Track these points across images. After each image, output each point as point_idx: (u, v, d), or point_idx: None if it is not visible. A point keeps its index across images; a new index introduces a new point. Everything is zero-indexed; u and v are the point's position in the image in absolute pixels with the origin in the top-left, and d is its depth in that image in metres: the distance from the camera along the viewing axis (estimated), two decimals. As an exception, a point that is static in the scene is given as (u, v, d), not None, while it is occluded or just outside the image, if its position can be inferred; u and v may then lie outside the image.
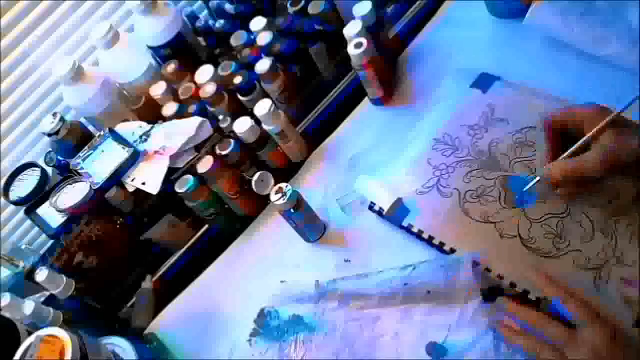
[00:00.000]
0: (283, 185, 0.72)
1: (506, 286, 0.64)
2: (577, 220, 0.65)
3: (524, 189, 0.67)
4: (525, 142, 0.72)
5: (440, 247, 0.69)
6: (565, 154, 0.62)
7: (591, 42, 0.75)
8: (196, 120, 0.81)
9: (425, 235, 0.70)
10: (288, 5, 0.88)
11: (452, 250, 0.68)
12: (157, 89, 0.88)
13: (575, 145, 0.61)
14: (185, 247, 0.87)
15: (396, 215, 0.73)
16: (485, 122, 0.76)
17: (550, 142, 0.64)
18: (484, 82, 0.79)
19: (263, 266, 0.80)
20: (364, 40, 0.78)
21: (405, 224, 0.72)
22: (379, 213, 0.75)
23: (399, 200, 0.73)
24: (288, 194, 0.71)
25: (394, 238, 0.74)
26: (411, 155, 0.77)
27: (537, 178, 0.65)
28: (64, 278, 0.77)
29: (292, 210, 0.73)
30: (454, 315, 0.65)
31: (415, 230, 0.71)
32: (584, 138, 0.60)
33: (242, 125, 0.79)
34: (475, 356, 0.62)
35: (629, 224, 0.63)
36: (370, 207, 0.76)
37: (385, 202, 0.74)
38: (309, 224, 0.77)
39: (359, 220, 0.78)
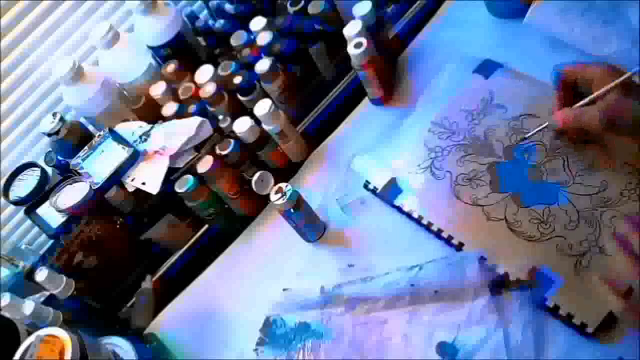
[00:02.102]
0: (283, 185, 0.72)
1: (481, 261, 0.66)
2: (563, 208, 0.66)
3: (530, 133, 0.69)
4: (520, 129, 0.73)
5: (428, 227, 0.71)
6: (575, 106, 0.64)
7: (591, 42, 0.75)
8: (196, 120, 0.81)
9: (415, 215, 0.72)
10: (288, 5, 0.88)
11: (440, 231, 0.70)
12: (157, 89, 0.88)
13: (584, 101, 0.63)
14: (185, 247, 0.87)
15: (389, 194, 0.75)
16: (484, 108, 0.77)
17: (560, 93, 0.66)
18: (486, 68, 0.80)
19: (263, 266, 0.80)
20: (364, 40, 0.78)
21: (397, 203, 0.74)
22: (373, 192, 0.77)
23: (393, 179, 0.75)
24: (288, 194, 0.71)
25: (394, 237, 0.74)
26: (409, 137, 0.79)
27: (546, 123, 0.67)
28: (64, 278, 0.77)
29: (292, 210, 0.73)
30: (463, 314, 0.65)
31: (406, 210, 0.73)
32: (594, 94, 0.62)
33: (242, 125, 0.79)
34: (486, 354, 0.62)
35: (614, 217, 0.64)
36: (365, 186, 0.78)
37: (379, 181, 0.76)
38: (308, 224, 0.77)
39: (359, 220, 0.78)
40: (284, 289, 0.76)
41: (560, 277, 0.62)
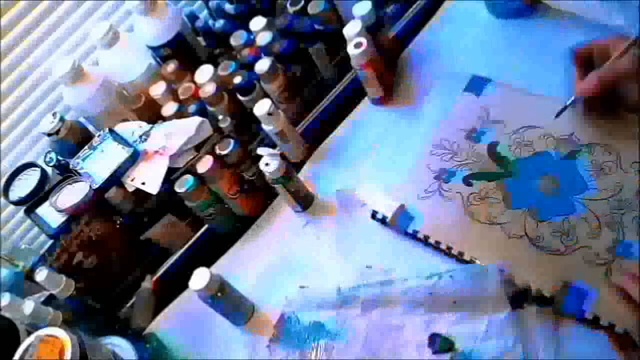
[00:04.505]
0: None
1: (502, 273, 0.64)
2: (582, 217, 0.65)
3: (565, 106, 0.69)
4: (522, 142, 0.73)
5: (447, 252, 0.69)
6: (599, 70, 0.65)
7: (600, 13, 0.75)
8: (196, 120, 0.81)
9: (432, 241, 0.70)
10: (288, 5, 0.88)
11: (461, 254, 0.67)
12: (157, 89, 0.88)
13: (611, 59, 0.64)
14: (185, 247, 0.87)
15: (400, 222, 0.72)
16: (481, 125, 0.76)
17: (579, 67, 0.68)
18: (476, 85, 0.79)
19: (263, 266, 0.80)
20: (364, 40, 0.78)
21: (410, 230, 0.71)
22: (382, 221, 0.74)
23: (402, 206, 0.73)
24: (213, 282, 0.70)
25: (397, 242, 0.73)
26: (410, 161, 0.77)
27: (572, 98, 0.67)
28: (64, 278, 0.77)
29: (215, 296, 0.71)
30: (482, 326, 0.63)
31: (421, 236, 0.70)
32: (614, 56, 0.64)
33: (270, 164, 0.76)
34: None
35: (635, 217, 0.63)
36: (373, 216, 0.75)
37: (388, 210, 0.73)
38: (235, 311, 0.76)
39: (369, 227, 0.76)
40: (300, 287, 0.75)
41: (593, 288, 0.60)
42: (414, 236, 0.71)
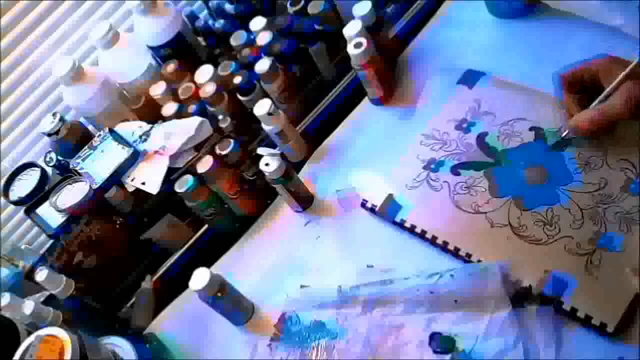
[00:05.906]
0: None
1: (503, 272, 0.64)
2: (566, 208, 0.66)
3: (557, 139, 0.70)
4: (512, 133, 0.73)
5: (433, 241, 0.70)
6: (592, 105, 0.65)
7: (601, 12, 0.75)
8: (196, 120, 0.81)
9: (418, 230, 0.71)
10: (288, 5, 0.88)
11: (445, 243, 0.69)
12: (157, 89, 0.88)
13: (600, 97, 0.64)
14: (185, 247, 0.87)
15: (388, 211, 0.74)
16: (472, 116, 0.77)
17: (567, 96, 0.67)
18: (469, 78, 0.80)
19: (264, 266, 0.80)
20: (364, 40, 0.78)
21: (397, 219, 0.73)
22: (372, 210, 0.75)
23: (390, 196, 0.74)
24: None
25: (402, 250, 0.73)
26: (400, 151, 0.78)
27: (566, 131, 0.68)
28: (64, 278, 0.77)
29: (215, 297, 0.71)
30: (483, 325, 0.63)
31: (407, 225, 0.72)
32: (608, 89, 0.63)
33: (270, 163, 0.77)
34: None
35: (617, 212, 0.63)
36: (363, 205, 0.76)
37: (377, 199, 0.75)
38: (235, 309, 0.76)
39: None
40: (301, 286, 0.75)
41: (573, 279, 0.61)
42: (401, 225, 0.72)
